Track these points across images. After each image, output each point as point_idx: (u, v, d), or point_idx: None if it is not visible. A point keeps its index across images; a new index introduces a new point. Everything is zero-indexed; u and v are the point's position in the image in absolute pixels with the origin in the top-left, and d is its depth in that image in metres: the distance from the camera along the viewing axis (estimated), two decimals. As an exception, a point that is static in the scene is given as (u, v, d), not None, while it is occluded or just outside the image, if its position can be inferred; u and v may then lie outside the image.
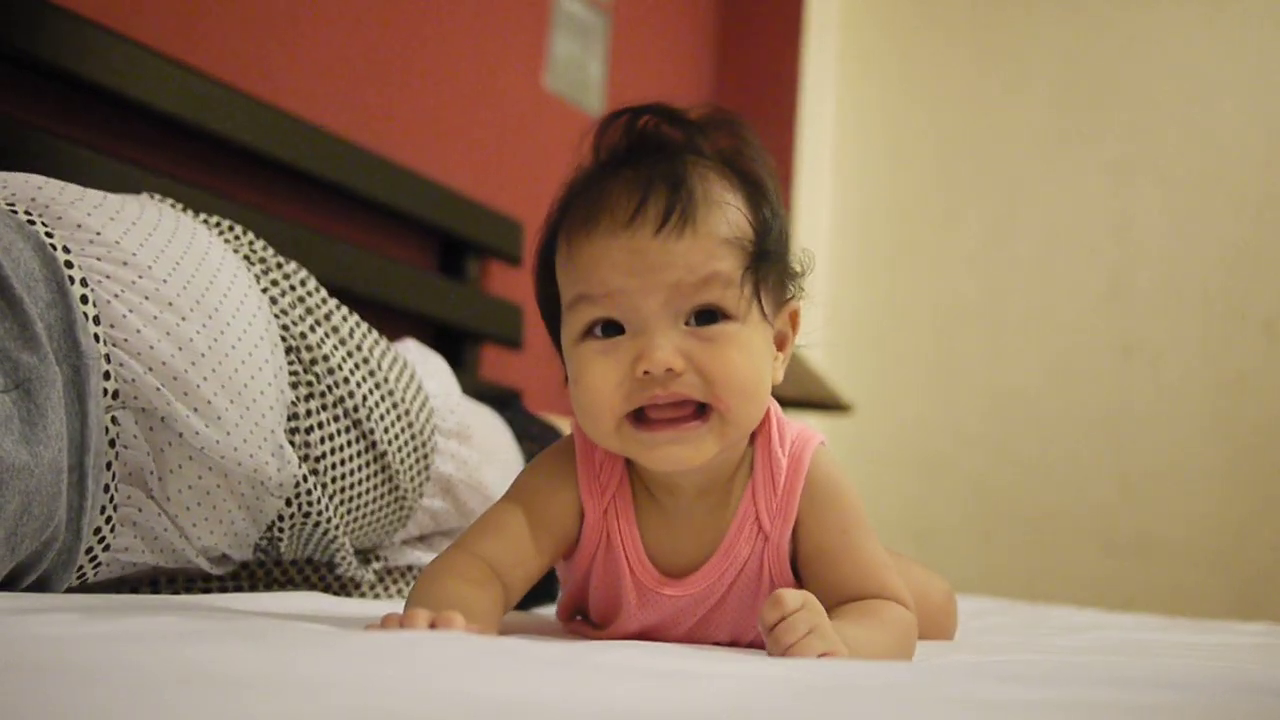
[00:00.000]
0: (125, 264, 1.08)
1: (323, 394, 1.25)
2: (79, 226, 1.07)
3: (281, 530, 1.21)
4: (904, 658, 0.94)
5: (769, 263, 0.94)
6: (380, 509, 1.34)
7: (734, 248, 0.91)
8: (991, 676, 0.72)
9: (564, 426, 1.93)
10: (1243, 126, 3.10)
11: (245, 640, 0.68)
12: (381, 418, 1.31)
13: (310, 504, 1.22)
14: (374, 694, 0.52)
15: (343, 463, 1.27)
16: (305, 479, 1.21)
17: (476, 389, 2.34)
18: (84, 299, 1.02)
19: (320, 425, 1.25)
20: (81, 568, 1.04)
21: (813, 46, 3.35)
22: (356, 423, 1.28)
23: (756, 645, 1.04)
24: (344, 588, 1.33)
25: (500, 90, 2.54)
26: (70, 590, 1.04)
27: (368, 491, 1.31)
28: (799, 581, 1.00)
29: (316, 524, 1.23)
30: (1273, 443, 2.98)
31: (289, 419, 1.21)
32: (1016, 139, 3.33)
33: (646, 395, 0.90)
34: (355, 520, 1.31)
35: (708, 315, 0.91)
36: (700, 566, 0.99)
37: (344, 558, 1.28)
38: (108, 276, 1.06)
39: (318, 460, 1.24)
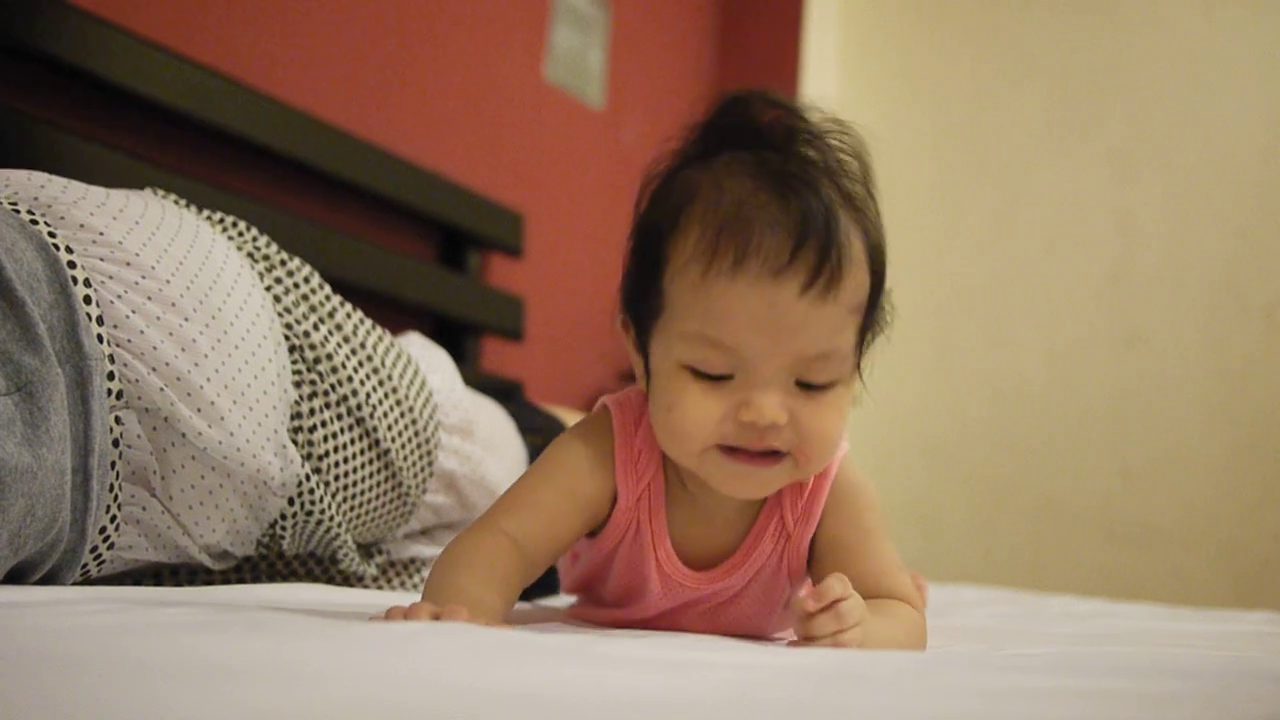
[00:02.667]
0: (128, 264, 1.07)
1: (326, 393, 1.25)
2: (82, 227, 1.07)
3: (284, 528, 1.21)
4: None
5: (877, 326, 0.96)
6: (383, 506, 1.34)
7: (855, 316, 0.92)
8: (995, 666, 0.72)
9: (567, 418, 1.93)
10: (1243, 115, 3.09)
11: (246, 632, 0.68)
12: (385, 415, 1.31)
13: (313, 503, 1.22)
14: (375, 685, 0.52)
15: (346, 461, 1.27)
16: (308, 478, 1.21)
17: (478, 381, 2.35)
18: (87, 300, 1.02)
19: (323, 424, 1.25)
20: (85, 565, 1.04)
21: (813, 37, 3.34)
22: (360, 421, 1.28)
23: (764, 630, 1.04)
24: (346, 581, 1.33)
25: (501, 82, 2.54)
26: (73, 584, 1.04)
27: (371, 489, 1.31)
28: (812, 577, 1.01)
29: (319, 522, 1.23)
30: (1275, 431, 2.98)
31: (292, 418, 1.21)
32: (1017, 129, 3.33)
33: (741, 441, 0.91)
34: (358, 517, 1.31)
35: (811, 385, 0.92)
36: (724, 560, 1.01)
37: (346, 553, 1.28)
38: (111, 277, 1.05)
39: (321, 459, 1.24)
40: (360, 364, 1.31)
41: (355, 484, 1.29)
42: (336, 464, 1.26)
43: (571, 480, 0.99)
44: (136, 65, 1.66)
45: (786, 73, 3.29)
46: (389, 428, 1.32)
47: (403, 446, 1.34)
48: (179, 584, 1.20)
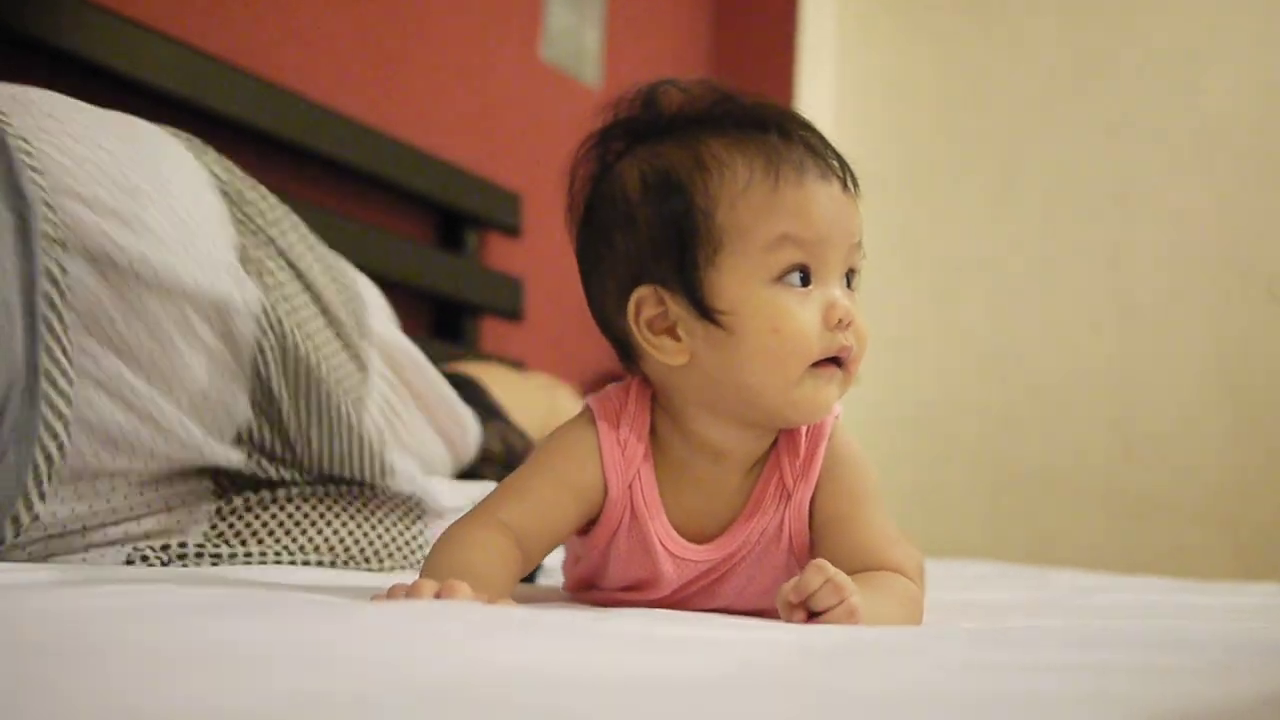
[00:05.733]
0: (61, 124, 1.12)
1: (265, 240, 1.26)
2: (13, 98, 1.13)
3: (266, 363, 1.17)
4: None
5: None
6: (340, 361, 1.32)
7: None
8: (997, 641, 0.72)
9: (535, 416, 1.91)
10: (1241, 86, 3.08)
11: (253, 613, 0.68)
12: (320, 274, 1.32)
13: (284, 332, 1.19)
14: (376, 668, 0.51)
15: (295, 310, 1.26)
16: (272, 308, 1.19)
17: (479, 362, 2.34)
18: (26, 153, 1.06)
19: (267, 270, 1.24)
20: (53, 430, 1.02)
21: (810, 12, 3.33)
22: (299, 274, 1.29)
23: (763, 604, 1.04)
24: (363, 481, 1.28)
25: (496, 61, 2.53)
26: (54, 479, 1.03)
27: (326, 343, 1.29)
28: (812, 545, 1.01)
29: (298, 359, 1.20)
30: (1275, 402, 2.98)
31: (238, 254, 1.21)
32: (1016, 101, 3.32)
33: (837, 346, 0.94)
34: (327, 369, 1.27)
35: (848, 280, 0.98)
36: (725, 530, 1.01)
37: (342, 406, 1.24)
38: (47, 132, 1.09)
39: (271, 291, 1.23)
40: (293, 225, 1.33)
41: (310, 335, 1.27)
42: (287, 297, 1.25)
43: (561, 470, 0.98)
44: (131, 50, 1.65)
45: (784, 48, 3.28)
46: (324, 286, 1.33)
47: (339, 307, 1.34)
48: (168, 562, 1.18)
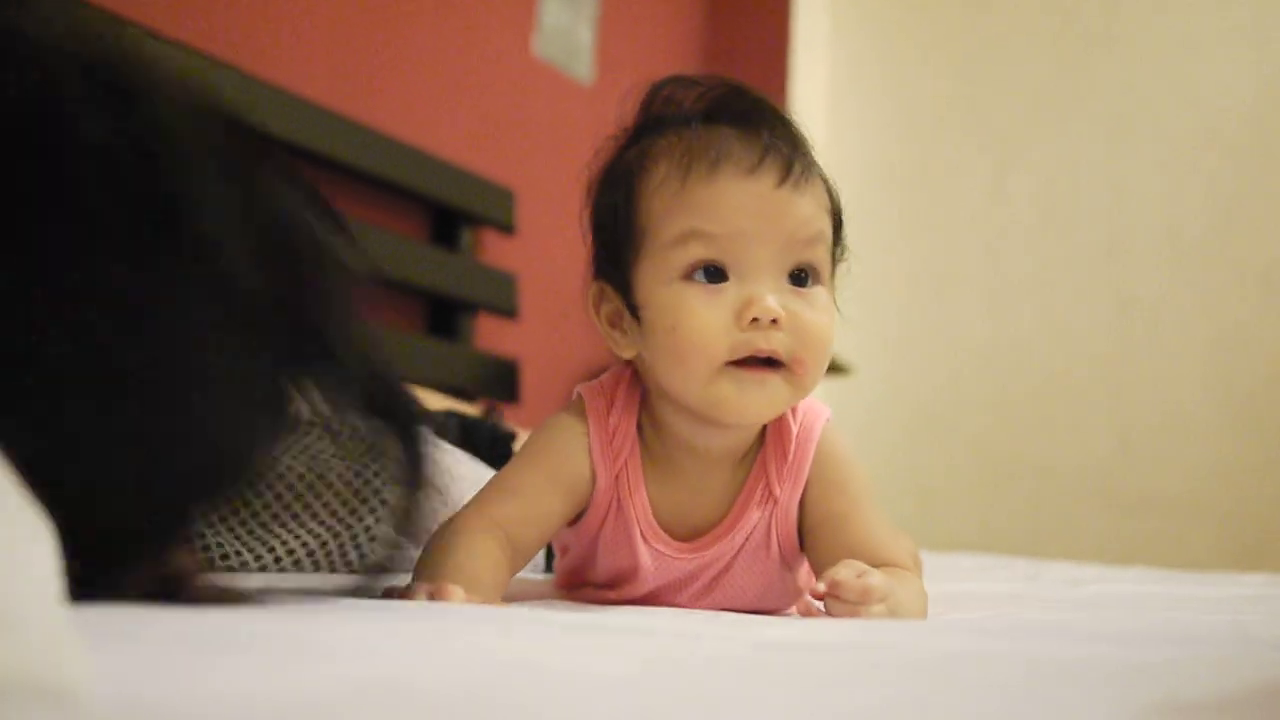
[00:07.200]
0: None
1: None
2: None
3: None
4: None
5: (841, 233, 0.99)
6: None
7: (827, 214, 0.96)
8: (993, 633, 0.72)
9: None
10: (1236, 78, 3.08)
11: (246, 608, 0.68)
12: None
13: None
14: (382, 662, 0.51)
15: None
16: None
17: (472, 360, 2.34)
18: None
19: None
20: None
21: (803, 10, 3.32)
22: None
23: (758, 609, 1.05)
24: None
25: (489, 57, 2.53)
26: None
27: None
28: (804, 551, 1.01)
29: None
30: (1271, 395, 2.98)
31: None
32: (1012, 95, 3.32)
33: (750, 347, 0.91)
34: None
35: (801, 276, 0.94)
36: (710, 530, 1.00)
37: None
38: None
39: None
40: None
41: None
42: None
43: (551, 463, 0.98)
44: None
45: (777, 45, 3.27)
46: None
47: None
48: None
